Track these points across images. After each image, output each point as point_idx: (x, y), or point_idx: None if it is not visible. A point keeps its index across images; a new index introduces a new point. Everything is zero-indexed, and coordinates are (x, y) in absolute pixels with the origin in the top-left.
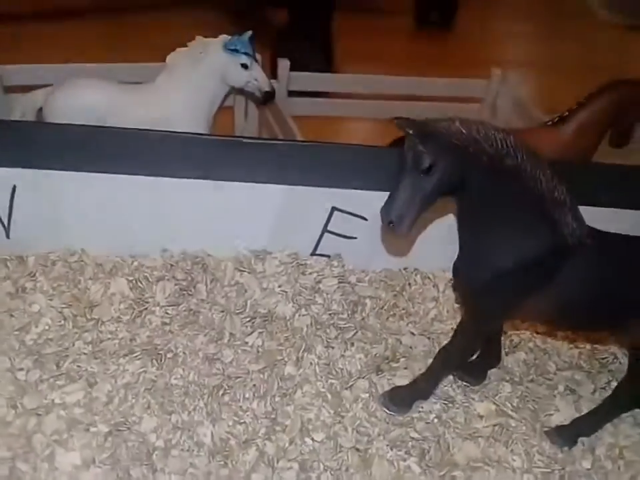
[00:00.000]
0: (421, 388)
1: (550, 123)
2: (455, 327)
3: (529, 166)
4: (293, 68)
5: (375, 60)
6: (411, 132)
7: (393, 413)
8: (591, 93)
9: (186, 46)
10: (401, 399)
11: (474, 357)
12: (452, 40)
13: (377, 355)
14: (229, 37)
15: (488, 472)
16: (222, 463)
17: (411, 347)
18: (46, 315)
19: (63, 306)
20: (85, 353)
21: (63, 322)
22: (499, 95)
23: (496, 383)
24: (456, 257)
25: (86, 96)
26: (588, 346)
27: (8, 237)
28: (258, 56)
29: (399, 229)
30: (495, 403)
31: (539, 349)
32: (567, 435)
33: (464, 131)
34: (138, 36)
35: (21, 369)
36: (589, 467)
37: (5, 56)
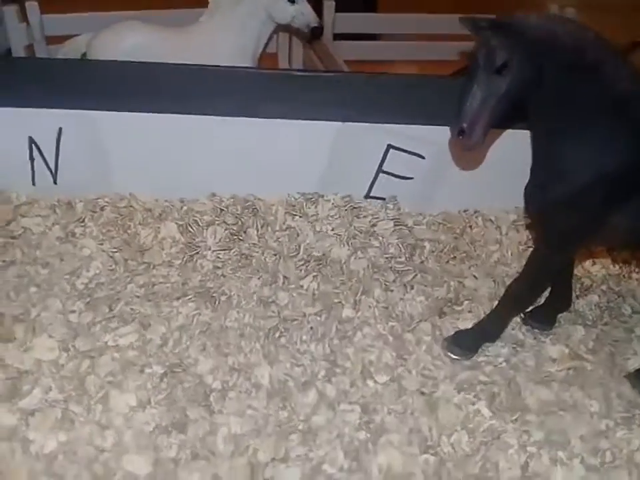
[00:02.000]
0: (488, 329)
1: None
2: (520, 269)
3: (612, 63)
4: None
5: (418, 8)
6: (483, 25)
7: (457, 357)
8: None
9: None
10: (466, 342)
11: (542, 301)
12: None
13: (439, 297)
14: None
15: (563, 417)
16: (281, 405)
17: (475, 290)
18: (96, 259)
19: (114, 250)
20: (137, 296)
21: (114, 266)
22: None
23: (567, 326)
24: (526, 182)
25: (129, 39)
26: None
27: (55, 182)
28: None
29: (470, 139)
30: (568, 346)
31: (612, 291)
32: None
33: (542, 24)
34: None
35: (73, 311)
36: None
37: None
